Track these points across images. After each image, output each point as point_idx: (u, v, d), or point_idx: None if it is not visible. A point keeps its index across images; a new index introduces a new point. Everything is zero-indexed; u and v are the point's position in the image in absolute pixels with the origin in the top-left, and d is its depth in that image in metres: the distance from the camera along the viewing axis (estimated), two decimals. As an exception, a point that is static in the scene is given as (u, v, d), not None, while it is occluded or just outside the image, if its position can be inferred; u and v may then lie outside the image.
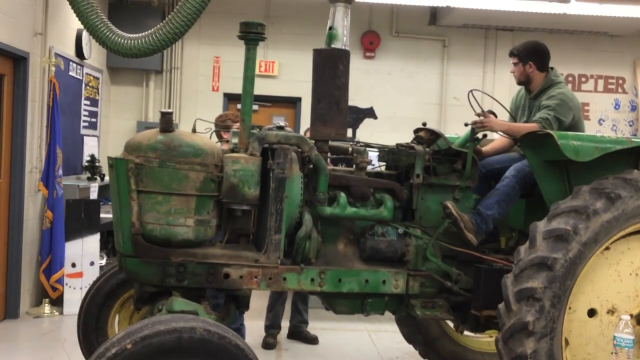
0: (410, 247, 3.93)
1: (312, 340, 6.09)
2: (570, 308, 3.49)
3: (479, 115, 4.12)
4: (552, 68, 4.52)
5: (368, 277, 3.82)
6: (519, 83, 4.57)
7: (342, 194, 3.86)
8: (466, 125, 4.16)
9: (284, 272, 3.65)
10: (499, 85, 9.26)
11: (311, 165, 3.79)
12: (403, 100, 9.48)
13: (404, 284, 3.88)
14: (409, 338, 5.21)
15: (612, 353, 2.63)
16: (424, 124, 4.34)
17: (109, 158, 3.48)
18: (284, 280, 3.65)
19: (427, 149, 4.05)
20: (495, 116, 4.23)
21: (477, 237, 3.98)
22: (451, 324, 5.07)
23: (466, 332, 5.06)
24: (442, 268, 3.98)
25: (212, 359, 2.86)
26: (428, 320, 4.91)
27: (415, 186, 4.03)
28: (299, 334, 6.15)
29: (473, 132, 4.07)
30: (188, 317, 3.00)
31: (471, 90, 4.30)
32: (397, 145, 4.16)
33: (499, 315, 3.51)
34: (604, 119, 9.83)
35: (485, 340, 5.19)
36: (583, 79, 9.75)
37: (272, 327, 6.01)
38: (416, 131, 4.33)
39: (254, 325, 6.08)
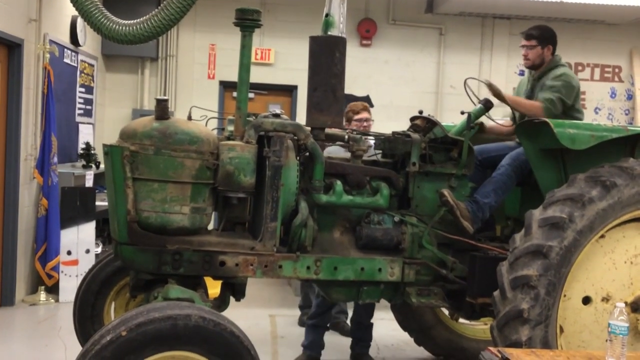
0: (406, 235, 3.94)
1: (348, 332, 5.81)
2: (565, 296, 3.50)
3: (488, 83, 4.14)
4: None
5: (364, 265, 3.82)
6: (531, 66, 4.50)
7: (338, 182, 3.86)
8: (462, 113, 4.16)
9: (280, 260, 3.65)
10: (496, 74, 9.24)
11: (307, 153, 3.79)
12: (399, 89, 9.45)
13: (400, 271, 3.89)
14: (404, 325, 5.24)
15: (606, 340, 2.63)
16: (421, 112, 4.33)
17: (105, 145, 3.47)
18: (279, 268, 3.65)
19: (423, 137, 4.05)
20: (492, 105, 4.24)
21: (473, 225, 3.99)
22: (446, 312, 5.10)
23: (461, 320, 5.09)
24: (438, 256, 3.99)
25: (207, 346, 2.87)
26: (423, 308, 4.94)
27: (411, 174, 4.02)
28: (336, 325, 5.97)
29: (469, 120, 4.07)
30: (183, 305, 3.00)
31: (467, 79, 4.29)
32: (393, 133, 4.15)
33: (494, 303, 3.51)
34: (600, 108, 9.83)
35: (480, 328, 5.22)
36: (579, 68, 9.73)
37: (304, 306, 5.95)
38: (412, 119, 4.33)
39: (249, 313, 6.11)
